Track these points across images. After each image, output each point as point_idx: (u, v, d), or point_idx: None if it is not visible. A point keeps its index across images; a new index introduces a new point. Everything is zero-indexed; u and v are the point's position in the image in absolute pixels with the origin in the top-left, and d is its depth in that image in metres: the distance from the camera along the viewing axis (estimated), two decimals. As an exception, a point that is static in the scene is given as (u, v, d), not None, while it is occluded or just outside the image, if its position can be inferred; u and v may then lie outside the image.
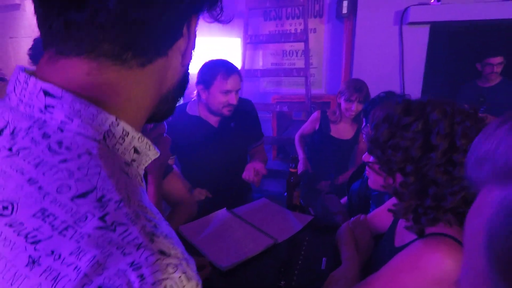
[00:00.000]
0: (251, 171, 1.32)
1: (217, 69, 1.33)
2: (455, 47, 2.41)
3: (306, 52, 2.32)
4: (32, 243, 0.24)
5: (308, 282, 0.86)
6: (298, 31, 2.49)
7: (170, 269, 0.24)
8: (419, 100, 0.68)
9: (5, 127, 0.30)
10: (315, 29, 2.52)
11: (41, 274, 0.23)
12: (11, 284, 0.23)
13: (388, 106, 0.69)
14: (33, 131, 0.29)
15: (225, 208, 1.24)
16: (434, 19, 2.04)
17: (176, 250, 0.26)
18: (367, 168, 0.78)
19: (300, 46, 2.46)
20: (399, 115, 0.66)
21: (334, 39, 2.48)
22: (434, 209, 0.61)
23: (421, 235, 0.64)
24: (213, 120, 1.46)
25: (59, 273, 0.22)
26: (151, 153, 0.38)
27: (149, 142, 0.36)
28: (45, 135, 0.29)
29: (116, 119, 0.32)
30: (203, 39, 2.37)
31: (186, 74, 0.41)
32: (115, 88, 0.33)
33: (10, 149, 0.28)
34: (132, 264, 0.23)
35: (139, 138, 0.34)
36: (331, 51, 2.52)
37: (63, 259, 0.23)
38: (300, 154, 1.94)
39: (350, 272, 0.78)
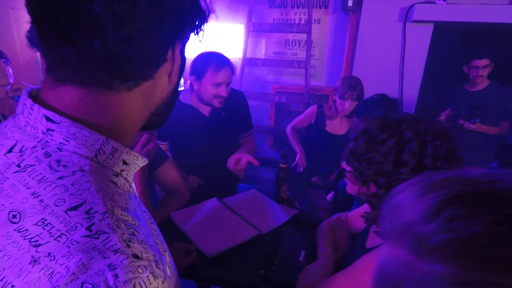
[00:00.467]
0: (232, 161, 1.37)
1: (209, 61, 1.36)
2: (458, 48, 2.39)
3: (308, 44, 2.32)
4: (34, 246, 0.29)
5: (286, 272, 0.93)
6: (303, 20, 2.48)
7: (140, 270, 0.30)
8: (396, 117, 0.72)
9: (15, 145, 0.35)
10: (319, 19, 2.50)
11: (40, 271, 0.29)
12: (18, 277, 0.29)
13: (368, 120, 0.74)
14: (37, 150, 0.34)
15: (215, 197, 1.31)
16: (438, 18, 2.03)
17: (148, 253, 0.32)
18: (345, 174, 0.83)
19: (303, 36, 2.46)
20: (377, 130, 0.70)
21: (338, 31, 2.47)
22: None
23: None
24: (205, 110, 1.51)
25: (53, 270, 0.28)
26: (140, 162, 0.43)
27: (137, 154, 0.42)
28: (47, 154, 0.34)
29: (106, 139, 0.37)
30: (206, 24, 2.36)
31: (174, 90, 0.45)
32: (105, 110, 0.38)
33: (18, 165, 0.34)
34: (109, 266, 0.29)
35: (127, 152, 0.40)
36: (334, 43, 2.51)
37: (57, 260, 0.29)
38: (297, 148, 1.97)
39: (322, 269, 0.85)
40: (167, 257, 0.41)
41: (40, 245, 0.29)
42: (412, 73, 2.24)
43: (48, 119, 0.35)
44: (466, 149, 2.07)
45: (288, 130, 2.05)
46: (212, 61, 1.36)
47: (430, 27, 2.10)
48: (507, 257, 0.19)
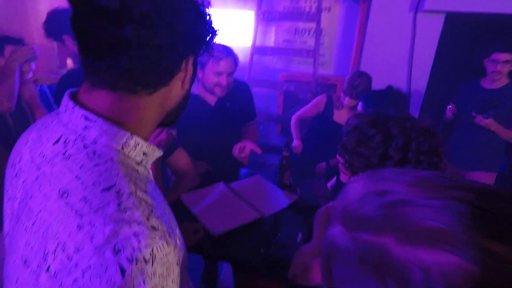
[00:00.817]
0: (237, 149, 1.45)
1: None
2: (469, 40, 2.35)
3: (317, 33, 2.34)
4: (79, 215, 0.39)
5: (283, 251, 1.03)
6: (313, 9, 2.48)
7: (157, 238, 0.38)
8: (385, 114, 0.78)
9: (60, 138, 0.45)
10: (330, 8, 2.50)
11: (84, 234, 0.38)
12: (68, 237, 0.38)
13: (360, 117, 0.80)
14: (77, 142, 0.44)
15: (222, 181, 1.41)
16: (450, 8, 2.01)
17: (163, 226, 0.41)
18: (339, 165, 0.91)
19: (313, 25, 2.47)
20: (367, 126, 0.77)
21: (348, 20, 2.47)
22: None
23: None
24: (211, 99, 1.57)
25: (93, 234, 0.37)
26: (157, 153, 0.53)
27: (154, 147, 0.51)
28: (85, 146, 0.43)
29: (131, 134, 0.46)
30: (216, 10, 2.41)
31: (186, 95, 0.55)
32: (131, 111, 0.47)
33: (64, 153, 0.43)
34: (134, 233, 0.38)
35: (146, 146, 0.49)
36: (344, 32, 2.51)
37: (96, 227, 0.38)
38: (295, 136, 2.04)
39: (314, 250, 0.94)
40: (177, 232, 0.51)
41: (83, 215, 0.38)
42: (421, 65, 2.24)
43: (86, 118, 0.44)
44: (473, 149, 2.03)
45: (293, 119, 2.10)
46: (214, 50, 1.41)
47: (442, 17, 2.08)
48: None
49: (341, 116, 1.99)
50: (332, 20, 2.52)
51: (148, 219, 0.40)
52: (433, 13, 2.07)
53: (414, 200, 0.26)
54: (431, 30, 2.13)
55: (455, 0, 1.97)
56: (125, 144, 0.45)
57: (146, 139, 0.49)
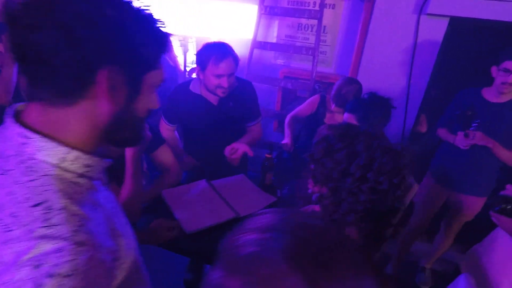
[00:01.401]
0: (228, 150, 1.47)
1: (210, 53, 1.41)
2: (473, 47, 2.28)
3: (318, 30, 2.31)
4: (7, 230, 0.42)
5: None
6: (317, 5, 2.44)
7: (81, 254, 0.42)
8: (355, 130, 0.79)
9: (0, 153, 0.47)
10: (334, 4, 2.45)
11: (10, 249, 0.40)
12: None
13: (331, 128, 0.81)
14: (15, 158, 0.46)
15: (205, 179, 1.44)
16: (454, 13, 1.95)
17: (92, 241, 0.44)
18: None
19: (316, 21, 2.43)
20: (335, 139, 0.78)
21: (352, 18, 2.42)
22: (344, 220, 0.76)
23: None
24: (213, 99, 1.58)
25: (18, 249, 0.40)
26: (103, 163, 0.55)
27: (97, 159, 0.53)
28: (22, 161, 0.46)
29: (69, 149, 0.48)
30: (217, 3, 2.39)
31: (124, 114, 0.51)
32: (59, 124, 0.48)
33: (2, 169, 0.46)
34: (57, 249, 0.41)
35: (87, 158, 0.51)
36: (347, 30, 2.47)
37: (21, 243, 0.40)
38: (287, 133, 2.04)
39: None
40: (121, 241, 0.54)
41: (11, 230, 0.42)
42: (422, 68, 2.20)
43: (23, 135, 0.46)
44: (464, 170, 1.81)
45: (287, 119, 2.10)
46: (213, 52, 1.41)
47: (445, 21, 2.02)
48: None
49: (332, 118, 1.99)
50: (336, 17, 2.48)
51: (75, 234, 0.43)
52: (436, 17, 2.02)
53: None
54: (433, 33, 2.08)
55: (460, 5, 1.91)
56: (62, 158, 0.48)
57: (89, 151, 0.51)
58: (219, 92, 1.49)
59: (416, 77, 2.24)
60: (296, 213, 0.38)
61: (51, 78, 0.44)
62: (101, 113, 0.49)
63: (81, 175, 0.50)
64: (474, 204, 1.87)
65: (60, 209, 0.44)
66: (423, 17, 2.07)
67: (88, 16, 0.43)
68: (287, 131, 2.07)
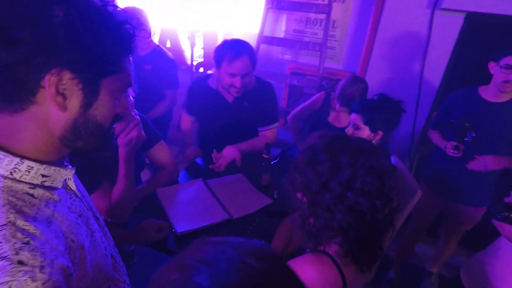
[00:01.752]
0: (214, 155, 1.45)
1: (225, 51, 1.37)
2: (490, 44, 2.15)
3: (326, 25, 2.23)
4: None
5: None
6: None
7: (20, 274, 0.39)
8: (342, 141, 0.73)
9: None
10: (344, -2, 2.36)
11: None
12: None
13: (319, 137, 0.76)
14: None
15: (201, 178, 1.42)
16: (471, 8, 1.83)
17: (35, 260, 0.41)
18: None
19: (325, 16, 2.35)
20: (319, 150, 0.73)
21: (362, 13, 2.32)
22: (318, 235, 0.72)
23: (312, 249, 0.77)
24: (229, 96, 1.54)
25: None
26: (66, 172, 0.53)
27: (58, 168, 0.50)
28: None
29: (21, 159, 0.46)
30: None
31: (81, 121, 0.48)
32: (10, 132, 0.46)
33: None
34: None
35: (45, 168, 0.48)
36: (357, 25, 2.38)
37: None
38: (298, 141, 2.00)
39: None
40: (83, 253, 0.52)
41: None
42: (434, 65, 2.09)
43: None
44: (460, 180, 1.65)
45: (290, 120, 2.03)
46: (228, 51, 1.36)
47: (461, 17, 1.91)
48: None
49: (336, 118, 1.92)
50: (346, 12, 2.39)
51: (17, 253, 0.40)
52: (452, 12, 1.91)
53: None
54: (448, 29, 1.97)
55: (477, 0, 1.79)
56: (14, 169, 0.45)
57: (46, 161, 0.49)
58: (233, 91, 1.45)
59: (428, 75, 2.13)
60: (239, 245, 0.35)
61: None
62: (54, 119, 0.46)
63: (37, 186, 0.48)
64: (472, 215, 1.73)
65: (2, 225, 0.41)
66: (437, 12, 1.96)
67: (29, 16, 0.40)
68: (296, 137, 2.03)
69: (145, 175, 1.48)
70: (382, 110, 1.35)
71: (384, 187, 0.69)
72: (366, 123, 1.37)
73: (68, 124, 0.47)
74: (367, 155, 0.71)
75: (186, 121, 1.72)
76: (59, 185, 0.52)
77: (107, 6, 0.49)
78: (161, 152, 1.37)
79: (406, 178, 1.39)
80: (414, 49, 2.12)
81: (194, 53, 2.76)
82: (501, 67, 1.41)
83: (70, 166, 0.56)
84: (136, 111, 1.12)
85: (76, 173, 0.99)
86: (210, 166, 1.46)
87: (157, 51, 2.04)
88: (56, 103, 0.45)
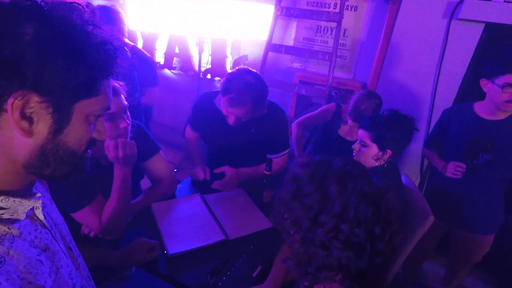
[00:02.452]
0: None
1: (231, 89, 1.27)
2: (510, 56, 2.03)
3: (337, 34, 2.15)
4: None
5: (235, 284, 0.97)
6: (338, 7, 2.28)
7: None
8: (325, 169, 0.66)
9: None
10: (356, 6, 2.29)
11: None
12: None
13: (301, 166, 0.69)
14: None
15: (199, 193, 1.36)
16: (491, 19, 1.73)
17: None
18: None
19: (336, 25, 2.28)
20: (304, 180, 0.65)
21: (375, 22, 2.24)
22: (315, 275, 0.65)
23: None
24: (230, 118, 1.42)
25: None
26: (28, 203, 0.48)
27: (18, 199, 0.45)
28: None
29: None
30: (233, 3, 2.30)
31: (49, 147, 0.45)
32: None
33: None
34: None
35: (2, 199, 0.44)
36: (369, 34, 2.30)
37: None
38: (298, 152, 1.93)
39: None
40: None
41: None
42: (450, 78, 1.99)
43: None
44: (464, 204, 1.50)
45: (295, 127, 1.95)
46: (233, 92, 1.26)
47: (480, 27, 1.81)
48: None
49: (346, 131, 1.84)
50: (357, 20, 2.31)
51: None
52: (470, 22, 1.81)
53: None
54: (466, 40, 1.87)
55: (498, 10, 1.69)
56: None
57: (6, 191, 0.44)
58: (229, 120, 1.36)
59: (443, 88, 2.03)
60: None
61: None
62: (17, 145, 0.43)
63: None
64: (481, 243, 1.54)
65: None
66: (454, 22, 1.86)
67: (24, 53, 0.38)
68: (296, 145, 1.94)
69: (144, 184, 1.43)
70: (392, 128, 1.26)
71: (380, 211, 0.61)
72: (374, 141, 1.28)
73: (33, 151, 0.44)
74: (356, 180, 0.63)
75: (189, 135, 1.67)
76: (22, 217, 0.47)
77: (85, 26, 0.45)
78: (158, 165, 1.31)
79: (417, 200, 1.30)
80: (429, 61, 2.02)
81: (202, 59, 2.72)
82: (500, 86, 1.27)
83: (39, 194, 0.51)
84: (130, 120, 1.07)
85: (67, 185, 0.96)
86: (212, 186, 1.41)
87: (134, 52, 2.02)
88: (20, 129, 0.41)
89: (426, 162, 2.20)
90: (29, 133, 0.42)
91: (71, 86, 0.43)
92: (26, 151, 0.43)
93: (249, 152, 1.52)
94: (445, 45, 1.93)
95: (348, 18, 2.29)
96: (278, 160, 1.51)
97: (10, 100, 0.39)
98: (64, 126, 0.45)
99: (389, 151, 1.27)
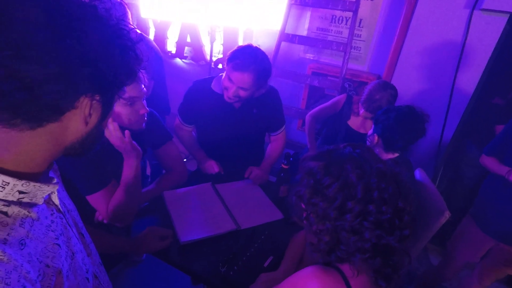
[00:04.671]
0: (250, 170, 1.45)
1: (237, 56, 1.29)
2: None
3: (352, 24, 2.10)
4: None
5: (246, 275, 0.97)
6: (354, -4, 2.22)
7: None
8: (340, 157, 0.67)
9: None
10: (373, -5, 2.22)
11: None
12: None
13: (315, 158, 0.69)
14: None
15: (210, 182, 1.36)
16: (517, 9, 1.66)
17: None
18: None
19: (351, 14, 2.22)
20: (321, 174, 0.66)
21: (392, 12, 2.17)
22: (343, 256, 0.65)
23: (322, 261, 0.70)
24: (236, 103, 1.45)
25: None
26: (47, 188, 0.48)
27: (38, 184, 0.46)
28: None
29: None
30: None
31: (93, 132, 0.50)
32: (7, 145, 0.42)
33: None
34: None
35: (23, 184, 0.44)
36: (386, 25, 2.23)
37: None
38: (310, 144, 1.91)
39: (274, 282, 0.86)
40: (59, 279, 0.46)
41: None
42: (470, 70, 1.93)
43: None
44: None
45: (308, 118, 1.95)
46: (239, 57, 1.28)
47: (504, 18, 1.74)
48: None
49: (356, 122, 1.81)
50: (374, 10, 2.24)
51: None
52: (493, 13, 1.74)
53: None
54: (488, 31, 1.80)
55: (525, -1, 1.62)
56: None
57: (28, 175, 0.44)
58: (225, 95, 1.37)
59: (462, 81, 1.97)
60: None
61: (25, 105, 0.39)
62: (70, 133, 0.47)
63: (12, 203, 0.43)
64: None
65: None
66: (476, 13, 1.80)
67: (93, 57, 0.42)
68: (310, 139, 1.93)
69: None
70: (400, 126, 1.22)
71: (399, 185, 0.64)
72: (383, 142, 1.27)
73: (82, 136, 0.49)
74: (370, 161, 0.66)
75: (181, 131, 1.57)
76: (40, 202, 0.47)
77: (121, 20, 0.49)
78: (171, 152, 1.31)
79: (432, 196, 1.27)
80: (448, 52, 1.96)
81: (214, 49, 2.70)
82: None
83: (55, 180, 0.51)
84: (147, 108, 1.06)
85: (82, 169, 0.97)
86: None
87: (142, 41, 2.00)
88: (85, 122, 0.47)
89: (440, 158, 2.16)
90: (87, 123, 0.47)
91: (119, 79, 0.48)
92: (75, 137, 0.48)
93: (248, 134, 1.55)
94: (466, 37, 1.86)
95: (365, 8, 2.23)
96: (281, 136, 1.64)
97: (83, 99, 0.45)
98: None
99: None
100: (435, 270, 1.77)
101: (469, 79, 1.95)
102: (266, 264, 1.01)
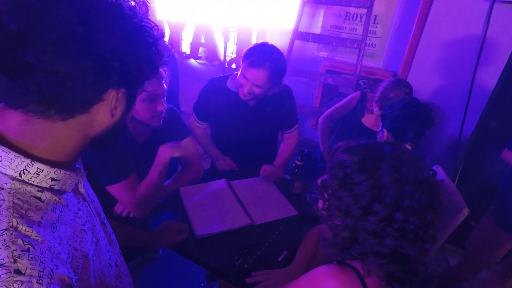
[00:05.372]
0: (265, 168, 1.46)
1: (253, 53, 1.31)
2: None
3: (367, 21, 2.08)
4: None
5: (260, 267, 0.97)
6: (368, -8, 2.19)
7: (16, 284, 0.36)
8: (376, 154, 0.63)
9: None
10: (388, -9, 2.19)
11: None
12: None
13: (350, 151, 0.66)
14: None
15: (225, 179, 1.37)
16: (540, 0, 1.60)
17: (33, 270, 0.38)
18: None
19: (365, 11, 2.20)
20: (353, 168, 0.63)
21: (408, 7, 2.14)
22: (356, 255, 0.64)
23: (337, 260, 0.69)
24: (251, 100, 1.47)
25: None
26: (75, 177, 0.50)
27: (68, 173, 0.48)
28: None
29: (32, 161, 0.44)
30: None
31: (118, 124, 0.53)
32: (41, 135, 0.45)
33: None
34: None
35: (55, 172, 0.47)
36: (401, 21, 2.20)
37: None
38: (322, 145, 1.90)
39: (286, 278, 0.87)
40: (86, 262, 0.49)
41: None
42: (490, 66, 1.87)
43: None
44: None
45: (321, 121, 1.92)
46: (255, 54, 1.31)
47: (526, 10, 1.68)
48: None
49: (370, 120, 1.78)
50: (389, 6, 2.21)
51: (15, 261, 0.37)
52: (515, 5, 1.68)
53: None
54: (510, 25, 1.75)
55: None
56: (23, 171, 0.44)
57: (60, 164, 0.47)
58: (240, 92, 1.39)
59: (482, 77, 1.92)
60: None
61: (60, 98, 0.42)
62: (97, 126, 0.50)
63: (45, 190, 0.46)
64: None
65: (3, 230, 0.39)
66: (497, 5, 1.74)
67: (120, 52, 0.44)
68: (322, 140, 1.92)
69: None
70: (406, 123, 1.20)
71: (433, 197, 0.60)
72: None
73: (107, 128, 0.51)
74: (408, 165, 0.61)
75: (196, 128, 1.60)
76: (69, 190, 0.51)
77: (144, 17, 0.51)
78: (188, 148, 1.33)
79: (451, 192, 1.24)
80: (467, 48, 1.91)
81: (227, 49, 2.73)
82: None
83: (82, 170, 0.54)
84: (165, 105, 1.10)
85: (105, 160, 1.01)
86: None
87: None
88: (111, 114, 0.50)
89: (459, 156, 2.10)
90: (113, 115, 0.50)
91: (143, 73, 0.50)
92: (102, 128, 0.50)
93: (262, 133, 1.57)
94: (486, 31, 1.81)
95: (379, 4, 2.20)
96: (294, 134, 1.66)
97: (110, 92, 0.47)
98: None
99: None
100: (454, 270, 1.73)
101: (490, 75, 1.89)
102: (280, 259, 1.02)
